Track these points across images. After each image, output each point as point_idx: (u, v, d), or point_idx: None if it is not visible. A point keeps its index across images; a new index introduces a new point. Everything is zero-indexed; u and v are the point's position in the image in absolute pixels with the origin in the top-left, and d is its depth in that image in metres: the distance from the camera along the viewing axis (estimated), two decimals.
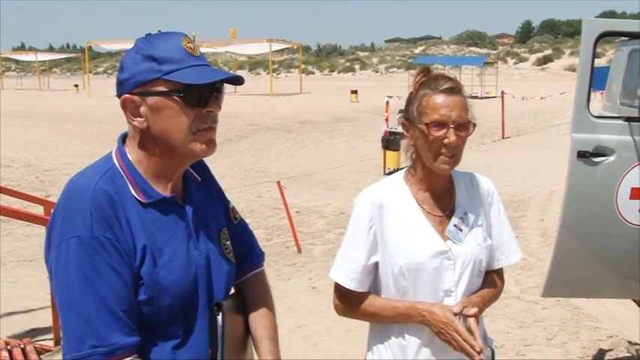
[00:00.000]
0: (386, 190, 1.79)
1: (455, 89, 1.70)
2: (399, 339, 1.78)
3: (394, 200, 1.76)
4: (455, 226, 1.75)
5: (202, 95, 1.33)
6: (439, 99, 1.68)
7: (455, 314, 1.67)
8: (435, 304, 1.70)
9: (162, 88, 1.31)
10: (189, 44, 1.35)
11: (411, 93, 1.77)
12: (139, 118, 1.34)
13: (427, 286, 1.72)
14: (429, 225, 1.74)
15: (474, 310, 1.68)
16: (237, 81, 1.40)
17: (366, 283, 1.79)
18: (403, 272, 1.71)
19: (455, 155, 1.69)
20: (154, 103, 1.32)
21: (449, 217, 1.77)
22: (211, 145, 1.38)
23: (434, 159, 1.69)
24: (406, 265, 1.71)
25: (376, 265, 1.77)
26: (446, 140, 1.66)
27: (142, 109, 1.33)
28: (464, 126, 1.68)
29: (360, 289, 1.78)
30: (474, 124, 1.72)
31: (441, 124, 1.66)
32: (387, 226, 1.74)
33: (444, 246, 1.73)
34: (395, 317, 1.75)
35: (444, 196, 1.79)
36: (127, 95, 1.34)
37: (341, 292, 1.82)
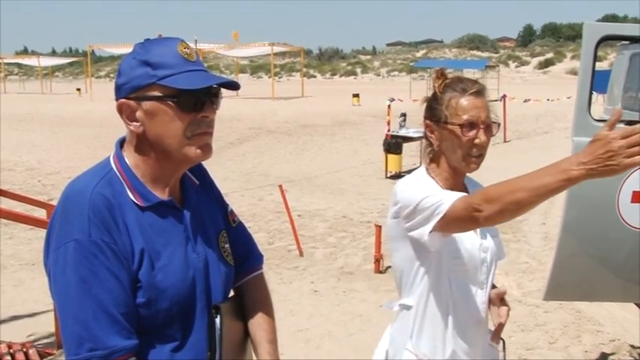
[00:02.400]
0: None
1: (481, 92, 1.79)
2: (431, 338, 1.82)
3: None
4: None
5: (197, 100, 1.33)
6: (469, 101, 1.75)
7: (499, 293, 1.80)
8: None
9: (157, 93, 1.32)
10: (185, 49, 1.36)
11: (435, 94, 1.82)
12: (135, 123, 1.35)
13: (470, 278, 1.80)
14: None
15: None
16: (232, 86, 1.42)
17: None
18: (456, 264, 1.78)
19: (482, 155, 1.78)
20: (149, 108, 1.33)
21: None
22: (207, 149, 1.38)
23: (463, 159, 1.77)
24: (462, 258, 1.78)
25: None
26: (477, 140, 1.74)
27: (138, 113, 1.34)
28: (491, 126, 1.78)
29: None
30: (499, 124, 1.81)
31: (473, 125, 1.74)
32: None
33: (479, 239, 1.82)
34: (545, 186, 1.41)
35: None
36: (123, 100, 1.35)
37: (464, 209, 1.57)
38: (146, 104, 1.33)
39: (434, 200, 1.63)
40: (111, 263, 1.27)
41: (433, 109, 1.82)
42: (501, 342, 1.91)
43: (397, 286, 1.92)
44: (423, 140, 1.93)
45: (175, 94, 1.31)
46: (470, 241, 1.80)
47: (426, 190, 1.70)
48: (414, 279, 1.82)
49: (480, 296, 1.81)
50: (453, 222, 1.61)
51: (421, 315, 1.83)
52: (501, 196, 1.46)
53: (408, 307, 1.85)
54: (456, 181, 1.84)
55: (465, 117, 1.73)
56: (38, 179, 11.00)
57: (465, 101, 1.75)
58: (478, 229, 1.81)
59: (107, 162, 1.40)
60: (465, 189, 1.87)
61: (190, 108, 1.33)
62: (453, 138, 1.76)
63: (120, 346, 1.25)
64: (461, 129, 1.73)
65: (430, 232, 1.65)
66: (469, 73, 34.97)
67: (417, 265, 1.81)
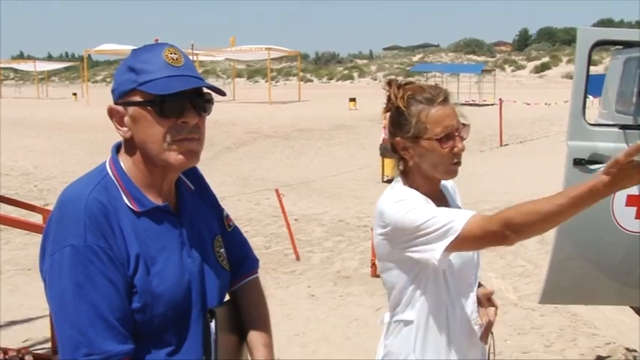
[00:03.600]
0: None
1: (447, 98, 1.73)
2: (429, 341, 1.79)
3: None
4: None
5: (177, 105, 1.33)
6: (440, 111, 1.70)
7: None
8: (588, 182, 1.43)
9: (138, 99, 1.34)
10: (172, 55, 1.36)
11: (398, 109, 1.74)
12: (124, 128, 1.37)
13: (461, 283, 1.78)
14: None
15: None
16: (215, 90, 1.41)
17: None
18: (450, 271, 1.75)
19: (460, 161, 1.75)
20: (133, 113, 1.35)
21: None
22: (189, 156, 1.36)
23: (444, 169, 1.73)
24: (453, 264, 1.75)
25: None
26: (455, 149, 1.70)
27: (126, 118, 1.36)
28: (465, 131, 1.73)
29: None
30: (468, 125, 1.76)
31: (449, 135, 1.69)
32: None
33: None
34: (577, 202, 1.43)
35: (440, 200, 1.84)
36: (112, 105, 1.38)
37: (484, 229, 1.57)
38: (131, 109, 1.35)
39: (441, 222, 1.60)
40: (106, 268, 1.28)
41: (401, 125, 1.74)
42: (490, 336, 1.88)
43: (390, 302, 1.86)
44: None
45: (153, 99, 1.32)
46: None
47: (425, 212, 1.65)
48: (413, 293, 1.77)
49: (472, 298, 1.80)
50: (469, 242, 1.60)
51: (423, 329, 1.78)
52: (526, 216, 1.48)
53: (407, 322, 1.80)
54: (433, 189, 1.81)
55: (440, 129, 1.68)
56: (34, 184, 10.97)
57: (435, 112, 1.69)
58: None
59: (103, 167, 1.41)
60: (442, 195, 1.86)
61: (170, 113, 1.33)
62: (430, 152, 1.70)
63: (115, 350, 1.26)
64: (440, 142, 1.68)
65: (443, 252, 1.61)
66: (466, 78, 35.09)
67: (415, 280, 1.76)
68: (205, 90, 1.39)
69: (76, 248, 1.26)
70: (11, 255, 6.72)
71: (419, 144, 1.71)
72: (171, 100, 1.32)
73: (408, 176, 1.81)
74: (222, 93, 1.42)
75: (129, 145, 1.39)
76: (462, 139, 1.72)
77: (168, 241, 1.39)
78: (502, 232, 1.52)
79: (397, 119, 1.75)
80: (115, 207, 1.33)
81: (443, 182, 1.90)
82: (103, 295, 1.27)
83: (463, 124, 1.74)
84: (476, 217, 1.59)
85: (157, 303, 1.33)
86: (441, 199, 1.85)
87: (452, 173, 1.76)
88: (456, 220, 1.59)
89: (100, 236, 1.28)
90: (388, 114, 1.82)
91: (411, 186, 1.79)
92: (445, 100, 1.72)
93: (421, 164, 1.74)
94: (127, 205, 1.36)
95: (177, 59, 1.36)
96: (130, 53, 1.39)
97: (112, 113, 1.38)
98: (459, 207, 1.92)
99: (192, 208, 1.49)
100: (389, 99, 1.79)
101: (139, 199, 1.37)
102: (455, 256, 1.73)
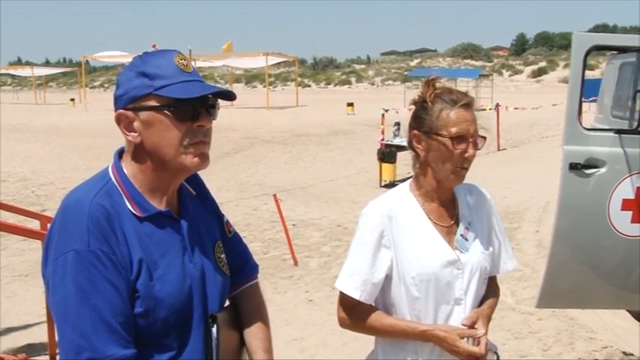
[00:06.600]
0: (394, 202, 1.82)
1: (470, 104, 1.77)
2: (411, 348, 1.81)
3: (403, 211, 1.80)
4: (461, 235, 1.81)
5: (193, 109, 1.36)
6: (460, 113, 1.74)
7: (465, 325, 1.76)
8: (441, 327, 1.73)
9: (154, 103, 1.35)
10: (182, 61, 1.39)
11: (423, 104, 1.80)
12: (132, 133, 1.38)
13: (438, 296, 1.76)
14: (438, 235, 1.79)
15: (482, 332, 1.78)
16: (227, 96, 1.44)
17: (374, 296, 1.81)
18: (415, 283, 1.75)
19: (467, 168, 1.77)
20: (146, 118, 1.36)
21: (454, 227, 1.82)
22: (203, 158, 1.40)
23: (451, 171, 1.75)
24: (418, 275, 1.75)
25: (385, 277, 1.78)
26: (466, 154, 1.73)
27: (136, 124, 1.37)
28: (480, 140, 1.76)
29: (369, 301, 1.79)
30: (485, 138, 1.79)
31: (462, 138, 1.72)
32: (399, 238, 1.77)
33: (453, 255, 1.78)
34: (401, 337, 1.78)
35: (448, 207, 1.84)
36: (121, 110, 1.38)
37: (348, 305, 1.82)
38: (143, 114, 1.36)
39: (351, 260, 1.80)
40: (109, 273, 1.29)
41: (422, 119, 1.79)
42: (495, 355, 1.92)
43: None
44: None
45: (171, 103, 1.34)
46: (434, 257, 1.76)
47: (364, 242, 1.78)
48: (386, 299, 1.84)
49: (458, 312, 1.78)
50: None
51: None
52: (366, 330, 1.84)
53: None
54: (441, 195, 1.82)
55: (455, 130, 1.72)
56: (32, 190, 10.96)
57: (455, 113, 1.73)
58: (456, 243, 1.79)
59: (106, 172, 1.42)
60: (452, 201, 1.85)
61: (186, 117, 1.36)
62: (442, 150, 1.74)
63: (118, 355, 1.27)
64: (452, 142, 1.72)
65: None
66: (463, 82, 35.16)
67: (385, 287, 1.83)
68: (210, 96, 1.41)
69: (79, 253, 1.27)
70: (8, 261, 6.71)
71: (434, 139, 1.76)
72: (188, 105, 1.35)
73: (419, 178, 1.84)
74: (234, 98, 1.48)
75: (136, 151, 1.40)
76: (476, 146, 1.74)
77: (171, 246, 1.40)
78: (343, 321, 1.87)
79: (419, 113, 1.81)
80: (118, 212, 1.35)
81: (479, 194, 1.91)
82: (106, 299, 1.28)
83: (480, 135, 1.77)
84: (348, 298, 1.79)
85: (159, 308, 1.34)
86: (448, 207, 1.84)
87: (458, 176, 1.77)
88: (346, 279, 1.80)
89: (103, 241, 1.29)
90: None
91: (419, 188, 1.83)
92: (468, 105, 1.76)
93: (431, 160, 1.78)
94: (129, 210, 1.37)
95: (187, 65, 1.39)
96: (137, 59, 1.40)
97: (119, 119, 1.38)
98: (489, 225, 1.91)
99: (194, 214, 1.51)
100: (420, 94, 1.85)
101: (141, 205, 1.39)
102: (423, 269, 1.75)
